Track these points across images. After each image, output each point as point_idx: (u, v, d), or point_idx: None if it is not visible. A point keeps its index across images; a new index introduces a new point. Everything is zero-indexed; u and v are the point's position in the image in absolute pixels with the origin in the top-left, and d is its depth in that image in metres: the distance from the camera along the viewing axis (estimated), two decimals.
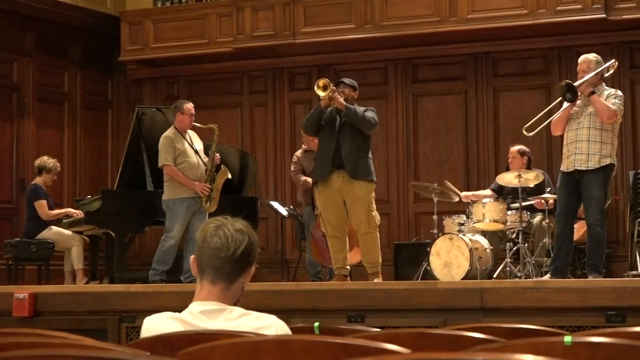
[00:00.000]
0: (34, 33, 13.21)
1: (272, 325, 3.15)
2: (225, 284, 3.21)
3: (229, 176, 9.68)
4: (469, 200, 10.08)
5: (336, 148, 8.36)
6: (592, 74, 8.05)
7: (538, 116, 8.57)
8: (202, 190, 9.40)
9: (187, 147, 9.54)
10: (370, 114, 8.45)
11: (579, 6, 11.83)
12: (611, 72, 8.52)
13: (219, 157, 9.71)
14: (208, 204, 9.41)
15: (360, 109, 8.45)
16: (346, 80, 8.65)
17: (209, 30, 13.49)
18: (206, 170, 9.55)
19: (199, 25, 13.55)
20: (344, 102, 8.34)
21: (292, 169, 10.90)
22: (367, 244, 8.52)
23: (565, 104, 8.14)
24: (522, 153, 10.24)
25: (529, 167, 10.14)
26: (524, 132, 8.62)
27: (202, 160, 9.60)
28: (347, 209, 8.46)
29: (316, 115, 8.48)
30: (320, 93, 8.32)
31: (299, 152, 10.94)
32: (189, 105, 9.68)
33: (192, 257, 3.28)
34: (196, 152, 9.61)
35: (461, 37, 12.58)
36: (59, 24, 13.45)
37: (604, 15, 11.75)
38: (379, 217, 8.59)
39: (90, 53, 14.00)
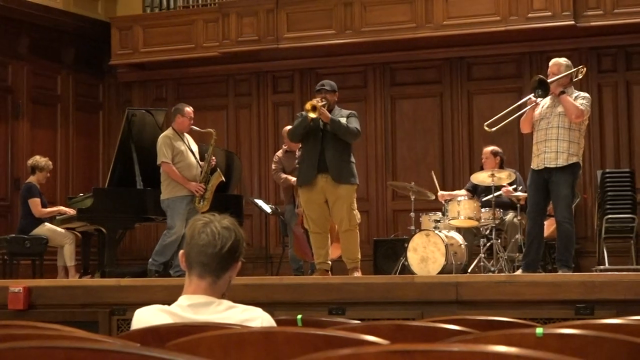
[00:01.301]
0: (28, 38, 13.27)
1: (257, 318, 3.18)
2: (213, 278, 3.23)
3: (223, 179, 9.78)
4: (444, 201, 10.20)
5: (320, 153, 8.43)
6: (563, 74, 8.21)
7: (500, 115, 8.68)
8: (197, 189, 9.54)
9: (185, 147, 9.66)
10: (353, 124, 8.48)
11: (549, 13, 11.96)
12: (580, 77, 8.64)
13: (215, 160, 9.83)
14: (201, 203, 9.52)
15: (343, 116, 8.52)
16: (326, 85, 8.65)
17: (196, 36, 13.57)
18: (201, 171, 9.65)
19: (186, 31, 13.62)
20: (330, 115, 8.39)
21: (273, 168, 10.95)
22: (348, 241, 8.58)
23: (532, 102, 8.29)
24: (495, 153, 10.35)
25: (501, 167, 10.25)
26: (486, 128, 8.74)
27: (198, 161, 9.74)
28: (329, 207, 8.53)
29: (302, 128, 8.52)
30: (312, 115, 8.31)
31: (279, 153, 11.01)
32: (190, 109, 9.79)
33: (180, 252, 3.33)
34: (192, 153, 9.74)
35: (437, 42, 12.68)
36: (52, 29, 13.51)
37: (573, 22, 11.91)
38: (359, 216, 8.64)
39: (82, 57, 14.05)
